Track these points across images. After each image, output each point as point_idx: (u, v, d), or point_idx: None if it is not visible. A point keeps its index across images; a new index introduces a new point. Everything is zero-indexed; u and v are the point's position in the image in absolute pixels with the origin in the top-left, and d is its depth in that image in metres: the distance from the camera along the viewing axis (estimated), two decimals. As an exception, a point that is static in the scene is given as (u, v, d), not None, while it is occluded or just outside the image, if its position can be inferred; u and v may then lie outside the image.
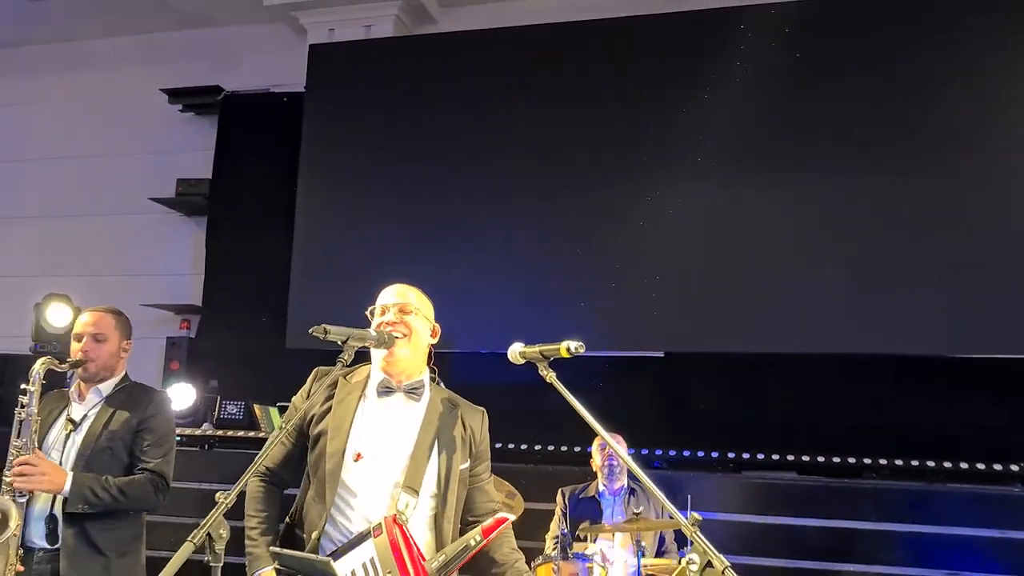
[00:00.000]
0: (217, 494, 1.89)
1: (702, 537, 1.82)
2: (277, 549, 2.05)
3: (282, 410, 5.38)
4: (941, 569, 4.18)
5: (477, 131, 6.00)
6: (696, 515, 1.86)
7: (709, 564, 1.82)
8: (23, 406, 2.70)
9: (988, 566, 4.10)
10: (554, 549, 3.65)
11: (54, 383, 3.15)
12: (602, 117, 5.72)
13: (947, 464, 4.41)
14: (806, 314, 4.98)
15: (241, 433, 5.24)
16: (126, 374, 3.07)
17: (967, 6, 5.16)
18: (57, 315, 5.59)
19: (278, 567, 2.04)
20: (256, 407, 5.36)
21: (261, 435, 5.23)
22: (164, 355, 6.51)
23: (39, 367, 2.77)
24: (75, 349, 2.95)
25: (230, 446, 5.21)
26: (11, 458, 2.66)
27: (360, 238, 6.13)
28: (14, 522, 2.51)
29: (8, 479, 2.62)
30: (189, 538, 1.74)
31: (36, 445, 2.71)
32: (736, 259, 5.21)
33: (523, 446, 5.01)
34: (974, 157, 4.93)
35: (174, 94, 6.89)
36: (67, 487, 2.66)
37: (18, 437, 2.68)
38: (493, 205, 5.86)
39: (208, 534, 1.76)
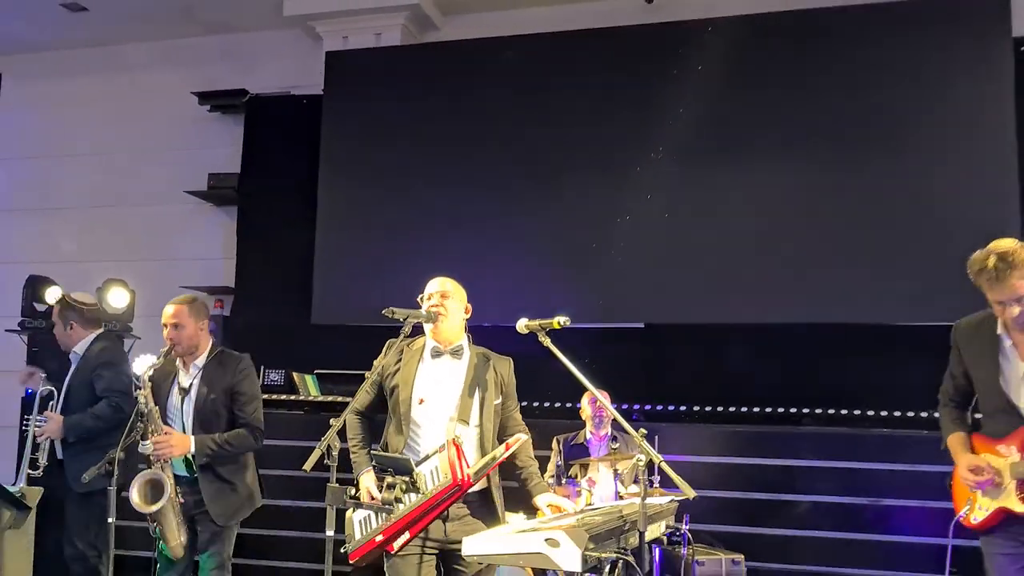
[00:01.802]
0: (331, 420, 2.96)
1: (646, 443, 2.88)
2: (376, 452, 3.11)
3: (319, 377, 6.44)
4: (865, 497, 5.31)
5: (477, 130, 6.92)
6: (643, 430, 2.93)
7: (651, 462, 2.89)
8: (144, 402, 3.71)
9: (901, 493, 5.22)
10: (551, 478, 4.76)
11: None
12: (585, 116, 6.65)
13: (870, 412, 5.56)
14: (761, 289, 6.05)
15: (284, 397, 6.31)
16: (213, 344, 4.08)
17: (894, 20, 6.18)
18: (116, 297, 6.60)
19: (375, 464, 3.10)
20: (295, 375, 6.41)
21: (301, 398, 6.31)
22: (201, 332, 7.56)
23: (145, 375, 3.75)
24: (165, 336, 3.97)
25: (273, 408, 6.26)
26: (149, 438, 3.67)
27: (376, 225, 7.08)
28: (169, 487, 3.58)
29: (153, 454, 3.65)
30: (318, 446, 2.79)
31: (163, 428, 3.75)
32: (703, 242, 6.25)
33: (523, 403, 6.05)
34: (898, 152, 5.98)
35: (203, 96, 7.87)
36: (193, 448, 3.73)
37: (154, 420, 3.71)
38: (492, 197, 6.80)
39: (328, 445, 2.81)
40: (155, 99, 8.11)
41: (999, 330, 3.08)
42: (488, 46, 7.13)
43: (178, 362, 4.01)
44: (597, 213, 6.54)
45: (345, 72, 7.42)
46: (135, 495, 3.56)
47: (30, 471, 4.30)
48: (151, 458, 3.69)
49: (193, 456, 3.75)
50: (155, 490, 3.59)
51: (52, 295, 6.77)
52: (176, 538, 3.70)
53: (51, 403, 4.49)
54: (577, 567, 2.57)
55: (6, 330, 6.90)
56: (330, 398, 6.34)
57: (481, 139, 6.95)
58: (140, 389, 3.75)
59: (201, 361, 3.99)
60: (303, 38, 7.85)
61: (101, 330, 4.76)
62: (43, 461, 4.32)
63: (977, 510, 3.07)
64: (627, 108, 6.61)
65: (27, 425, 6.26)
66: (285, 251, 7.47)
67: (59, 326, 4.63)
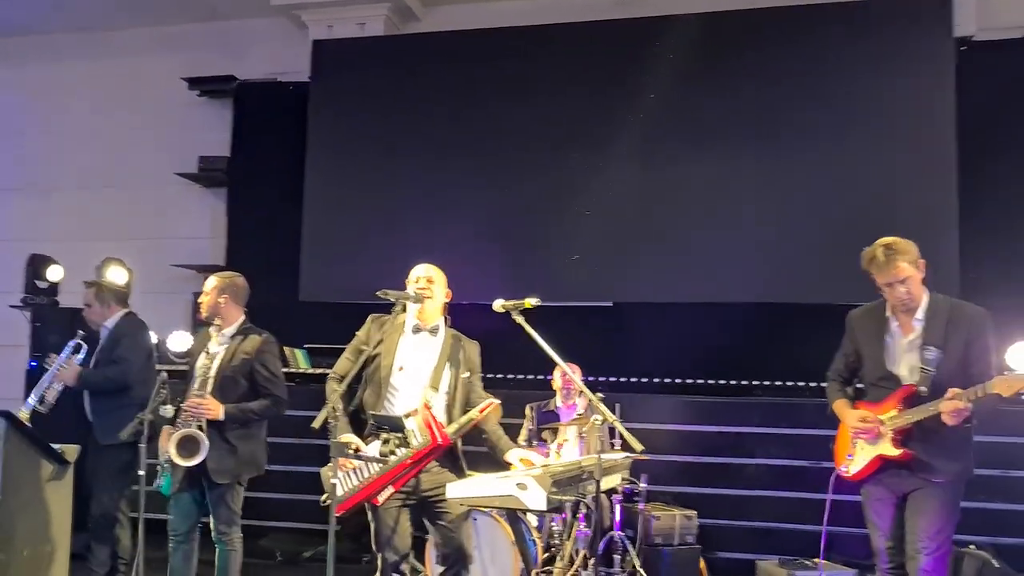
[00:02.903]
0: (332, 384, 3.51)
1: (602, 406, 3.46)
2: (374, 412, 3.65)
3: (309, 351, 6.98)
4: (806, 460, 5.95)
5: (457, 118, 7.44)
6: (600, 394, 3.50)
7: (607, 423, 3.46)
8: (200, 371, 4.26)
9: (838, 455, 5.86)
10: (524, 441, 5.36)
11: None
12: (558, 106, 7.20)
13: (812, 384, 6.20)
14: (718, 271, 6.66)
15: (275, 369, 6.83)
16: (243, 320, 4.57)
17: (846, 19, 6.76)
18: (115, 275, 7.06)
19: (373, 423, 3.64)
20: (286, 349, 6.93)
21: (292, 371, 6.84)
22: (192, 308, 8.06)
23: (213, 330, 4.36)
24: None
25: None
26: (191, 399, 4.21)
27: (361, 207, 7.60)
28: (206, 446, 4.11)
29: (189, 411, 4.16)
30: (324, 407, 3.34)
31: (208, 392, 4.25)
32: (666, 228, 6.85)
33: (498, 375, 6.66)
34: (847, 142, 6.60)
35: (193, 82, 8.30)
36: (222, 415, 4.26)
37: (193, 384, 4.25)
38: (470, 182, 7.34)
39: (333, 406, 3.36)
40: (146, 84, 8.52)
41: (888, 312, 3.68)
42: (468, 38, 7.62)
43: (212, 331, 4.50)
44: (570, 199, 7.09)
45: (331, 60, 7.88)
46: (172, 448, 4.08)
47: (37, 406, 4.82)
48: (184, 415, 4.18)
49: (222, 421, 4.27)
50: (191, 445, 4.11)
51: (54, 273, 7.25)
52: (175, 484, 4.25)
53: (77, 355, 5.00)
54: (543, 507, 3.15)
55: (10, 306, 7.36)
56: (320, 371, 6.88)
57: (461, 127, 7.47)
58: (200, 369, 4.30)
59: (230, 332, 4.50)
60: (289, 26, 8.28)
61: (128, 308, 5.31)
62: (51, 401, 4.86)
63: (856, 460, 3.68)
64: (597, 98, 7.16)
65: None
66: (273, 231, 7.96)
67: (97, 305, 5.17)
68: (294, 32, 8.27)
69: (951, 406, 3.33)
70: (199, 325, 7.85)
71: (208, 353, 4.40)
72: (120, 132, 8.57)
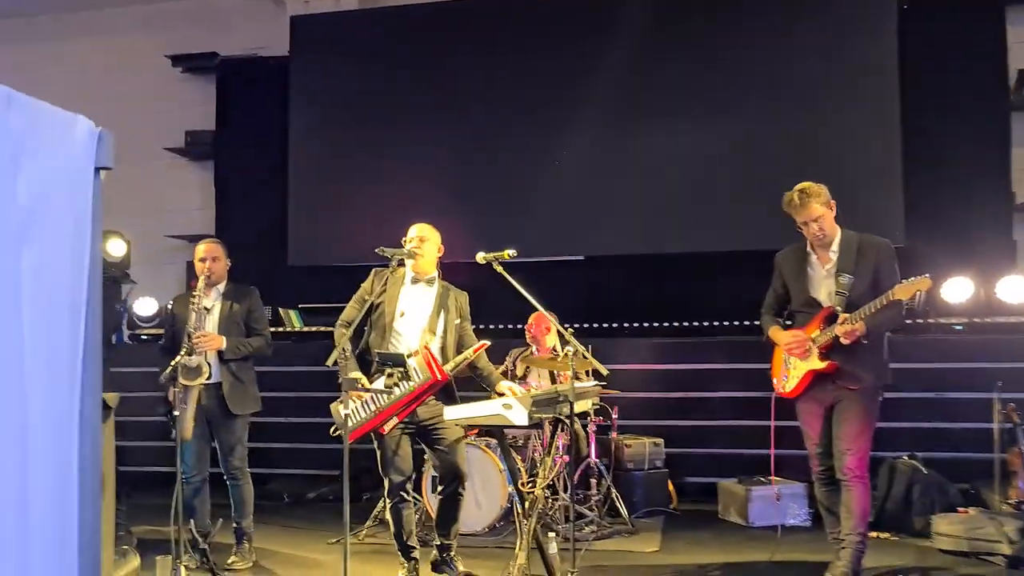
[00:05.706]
0: (340, 329, 4.19)
1: (573, 339, 4.15)
2: (380, 351, 4.33)
3: (302, 312, 7.64)
4: (762, 392, 6.67)
5: (430, 85, 8.03)
6: (571, 330, 4.20)
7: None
8: (196, 307, 4.88)
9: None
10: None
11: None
12: (532, 72, 7.80)
13: (765, 323, 6.96)
14: (683, 224, 7.37)
15: (271, 329, 7.46)
16: (229, 277, 5.25)
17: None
18: (114, 247, 7.64)
19: (378, 360, 4.32)
20: (280, 309, 7.59)
21: (287, 330, 7.50)
22: (185, 275, 8.67)
23: (201, 287, 4.92)
24: (200, 268, 5.08)
25: (263, 338, 7.46)
26: (193, 335, 4.77)
27: (342, 173, 8.21)
28: (207, 370, 4.75)
29: (194, 344, 4.78)
30: (335, 348, 4.01)
31: (205, 328, 4.91)
32: (633, 185, 7.51)
33: (480, 326, 7.32)
34: (801, 105, 7.29)
35: (176, 59, 8.82)
36: (224, 345, 4.92)
37: (195, 323, 4.87)
38: (447, 147, 7.94)
39: (343, 348, 4.04)
40: (132, 62, 8.99)
41: (808, 248, 4.39)
42: (437, 9, 8.16)
43: (200, 291, 5.03)
44: (544, 161, 7.73)
45: (309, 35, 8.42)
46: (180, 372, 4.63)
47: None
48: (194, 350, 4.73)
49: (223, 351, 4.94)
50: (193, 372, 4.71)
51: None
52: (190, 421, 4.76)
53: None
54: (524, 422, 3.86)
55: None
56: (313, 329, 7.55)
57: (434, 94, 8.06)
58: (195, 308, 4.87)
59: (222, 288, 5.16)
60: (267, 3, 8.80)
61: None
62: None
63: (791, 379, 4.40)
64: (565, 65, 7.77)
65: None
66: (259, 201, 8.55)
67: None
68: (272, 9, 8.78)
69: (842, 329, 4.04)
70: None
71: (205, 308, 4.96)
72: (108, 110, 8.87)
